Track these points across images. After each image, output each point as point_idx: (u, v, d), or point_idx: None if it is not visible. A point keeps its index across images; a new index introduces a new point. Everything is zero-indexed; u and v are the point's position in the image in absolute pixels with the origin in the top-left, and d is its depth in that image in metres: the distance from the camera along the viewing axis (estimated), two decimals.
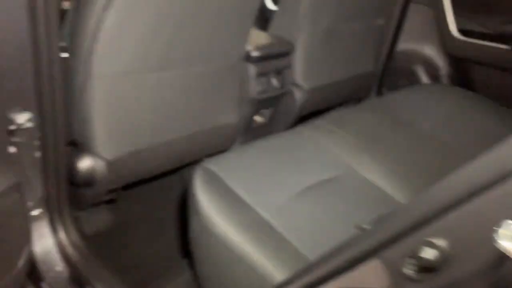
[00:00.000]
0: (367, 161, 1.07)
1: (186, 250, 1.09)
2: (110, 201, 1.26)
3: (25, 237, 0.88)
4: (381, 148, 1.13)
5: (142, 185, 1.31)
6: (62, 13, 1.00)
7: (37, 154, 0.96)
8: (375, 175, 1.03)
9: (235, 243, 0.83)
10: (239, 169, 0.99)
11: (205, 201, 0.89)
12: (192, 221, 0.93)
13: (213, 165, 0.97)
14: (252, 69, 1.32)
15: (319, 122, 1.21)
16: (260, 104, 1.41)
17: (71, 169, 1.06)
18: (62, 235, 1.03)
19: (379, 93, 1.89)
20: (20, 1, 0.82)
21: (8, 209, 0.82)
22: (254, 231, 0.84)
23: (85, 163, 1.06)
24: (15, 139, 0.92)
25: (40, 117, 0.92)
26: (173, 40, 1.06)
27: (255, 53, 1.30)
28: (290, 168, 1.00)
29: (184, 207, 1.00)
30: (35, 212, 0.99)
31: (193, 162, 1.33)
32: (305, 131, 1.16)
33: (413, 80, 1.82)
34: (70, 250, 1.03)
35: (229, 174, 0.95)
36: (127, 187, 1.22)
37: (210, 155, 1.34)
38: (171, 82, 1.13)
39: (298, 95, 1.50)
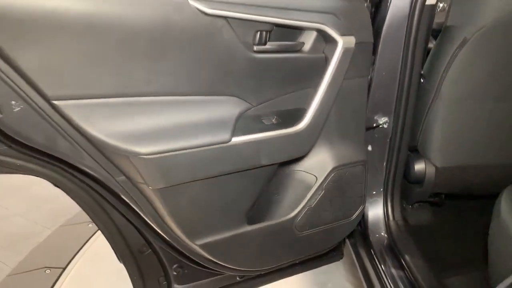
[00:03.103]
0: None
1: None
2: (434, 204, 1.52)
3: (361, 200, 1.24)
4: None
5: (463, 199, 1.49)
6: (427, 51, 1.35)
7: (386, 148, 1.35)
8: None
9: None
10: None
11: (506, 208, 1.02)
12: (492, 225, 1.07)
13: None
14: None
15: None
16: None
17: (408, 168, 1.40)
18: (390, 211, 1.37)
19: None
20: (399, 45, 1.22)
21: (353, 174, 1.20)
22: None
23: (419, 166, 1.38)
24: (374, 134, 1.33)
25: (394, 122, 1.30)
26: None
27: None
28: None
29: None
30: (372, 189, 1.38)
31: None
32: None
33: None
34: (393, 224, 1.35)
35: None
36: (453, 196, 1.44)
37: None
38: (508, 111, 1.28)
39: None
